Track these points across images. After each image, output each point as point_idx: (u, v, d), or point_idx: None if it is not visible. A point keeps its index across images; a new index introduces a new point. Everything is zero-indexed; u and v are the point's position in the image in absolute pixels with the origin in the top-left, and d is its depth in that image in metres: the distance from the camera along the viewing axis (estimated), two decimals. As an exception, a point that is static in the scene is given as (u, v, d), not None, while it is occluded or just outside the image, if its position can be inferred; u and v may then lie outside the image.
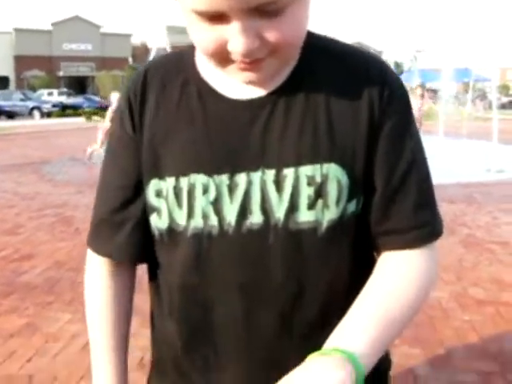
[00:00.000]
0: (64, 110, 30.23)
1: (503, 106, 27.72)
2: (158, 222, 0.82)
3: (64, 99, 34.46)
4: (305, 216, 0.77)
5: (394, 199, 0.79)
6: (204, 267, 0.79)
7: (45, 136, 16.37)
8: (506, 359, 2.89)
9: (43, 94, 36.43)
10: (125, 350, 0.93)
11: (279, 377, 0.65)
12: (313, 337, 0.79)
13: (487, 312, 3.47)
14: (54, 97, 35.70)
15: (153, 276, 0.89)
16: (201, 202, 0.78)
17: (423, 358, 2.86)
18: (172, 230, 0.81)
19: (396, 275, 0.79)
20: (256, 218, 0.77)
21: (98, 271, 0.90)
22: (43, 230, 5.47)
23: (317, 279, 0.79)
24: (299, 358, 0.68)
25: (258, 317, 0.79)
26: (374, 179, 0.79)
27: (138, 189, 0.83)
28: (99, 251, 0.88)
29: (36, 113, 29.23)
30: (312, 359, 0.66)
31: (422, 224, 0.80)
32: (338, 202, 0.77)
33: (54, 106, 31.26)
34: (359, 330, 0.71)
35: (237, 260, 0.78)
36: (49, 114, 29.49)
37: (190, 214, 0.78)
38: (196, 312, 0.82)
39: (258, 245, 0.77)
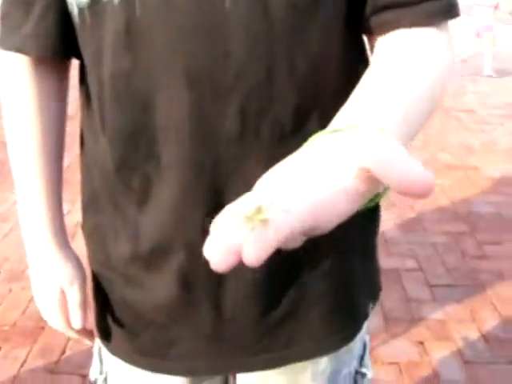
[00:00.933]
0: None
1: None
2: None
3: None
4: None
5: None
6: (138, 44, 0.56)
7: None
8: (475, 220, 2.86)
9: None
10: (56, 173, 0.73)
11: (237, 191, 0.46)
12: (283, 143, 0.58)
13: (456, 176, 3.41)
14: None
15: (82, 84, 0.67)
16: None
17: (394, 222, 2.78)
18: (94, 2, 0.57)
19: (406, 58, 0.55)
20: None
21: (13, 74, 0.70)
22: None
23: (290, 61, 0.57)
24: (266, 169, 0.45)
25: (213, 114, 0.57)
26: None
27: None
28: (6, 45, 0.67)
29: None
30: (321, 137, 0.39)
31: None
32: None
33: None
34: (376, 112, 0.47)
35: (181, 33, 0.55)
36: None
37: None
38: (132, 114, 0.60)
39: (210, 10, 0.54)
